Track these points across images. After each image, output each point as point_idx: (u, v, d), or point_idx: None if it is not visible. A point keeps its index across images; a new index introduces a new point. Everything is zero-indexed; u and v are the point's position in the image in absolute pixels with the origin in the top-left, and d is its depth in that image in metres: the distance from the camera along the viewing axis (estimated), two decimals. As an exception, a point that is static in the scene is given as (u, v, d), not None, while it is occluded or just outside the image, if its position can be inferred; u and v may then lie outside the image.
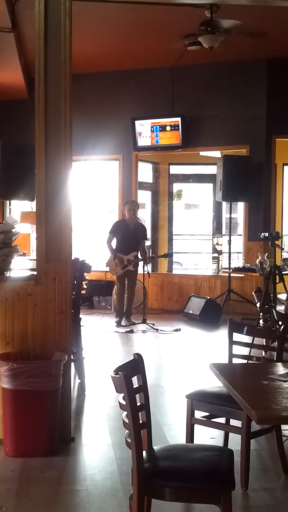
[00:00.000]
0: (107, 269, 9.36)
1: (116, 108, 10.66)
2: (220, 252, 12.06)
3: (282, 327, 3.99)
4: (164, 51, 9.61)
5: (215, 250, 12.19)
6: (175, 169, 12.81)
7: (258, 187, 10.13)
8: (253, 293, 8.28)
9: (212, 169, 11.39)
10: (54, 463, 4.08)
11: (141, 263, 9.21)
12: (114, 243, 9.24)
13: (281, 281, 7.42)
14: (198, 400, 3.89)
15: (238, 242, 11.33)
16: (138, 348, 7.60)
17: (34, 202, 6.08)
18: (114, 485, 3.78)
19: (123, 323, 9.09)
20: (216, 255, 12.07)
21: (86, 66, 9.90)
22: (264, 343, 5.09)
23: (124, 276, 9.18)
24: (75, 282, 5.71)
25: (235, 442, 4.01)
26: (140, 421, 2.77)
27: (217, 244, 12.26)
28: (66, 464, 4.10)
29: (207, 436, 4.46)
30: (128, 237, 9.16)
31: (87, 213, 11.69)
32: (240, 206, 11.63)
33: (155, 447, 2.95)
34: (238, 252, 11.39)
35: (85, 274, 6.28)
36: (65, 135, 4.38)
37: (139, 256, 9.14)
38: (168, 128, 10.51)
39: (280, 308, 7.24)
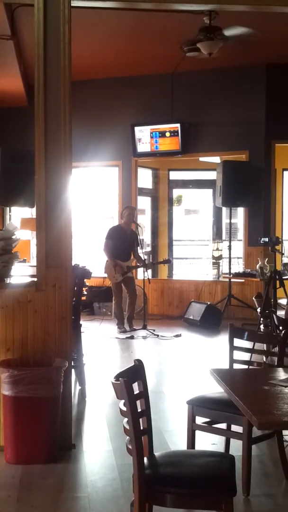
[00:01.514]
0: (105, 275, 9.36)
1: (115, 114, 10.68)
2: (220, 258, 12.06)
3: (282, 332, 3.98)
4: (163, 58, 9.64)
5: (215, 256, 12.19)
6: (174, 175, 12.82)
7: (257, 192, 10.14)
8: (253, 298, 8.28)
9: (211, 175, 11.40)
10: (55, 470, 4.07)
11: (141, 269, 9.20)
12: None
13: (281, 286, 7.42)
14: (199, 406, 3.89)
15: (238, 247, 11.34)
16: (139, 354, 7.59)
17: (34, 209, 6.08)
18: (115, 492, 3.77)
19: (126, 328, 9.07)
20: (217, 256, 12.07)
21: (86, 73, 9.93)
22: (264, 349, 5.09)
23: (120, 283, 9.18)
24: (75, 288, 5.71)
25: (236, 448, 4.01)
26: (141, 427, 2.77)
27: (217, 249, 12.26)
28: (67, 471, 4.09)
29: (208, 442, 4.45)
30: (125, 243, 9.16)
31: (87, 220, 11.70)
32: (240, 211, 11.64)
33: (156, 454, 2.94)
34: (238, 257, 11.39)
35: (85, 280, 6.28)
36: (64, 141, 4.39)
37: (138, 263, 9.15)
38: (167, 134, 10.53)
39: (281, 313, 7.24)
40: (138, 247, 9.22)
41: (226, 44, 8.27)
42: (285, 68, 10.03)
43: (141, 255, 9.34)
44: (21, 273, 5.39)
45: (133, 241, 9.20)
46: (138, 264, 9.19)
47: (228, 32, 8.07)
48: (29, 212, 10.27)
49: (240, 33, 8.17)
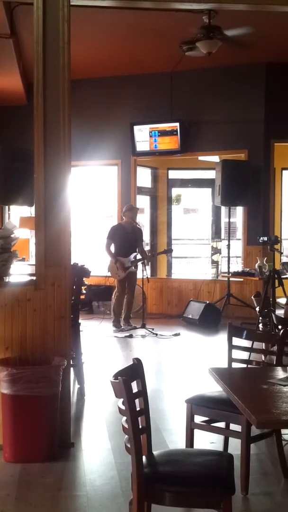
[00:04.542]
0: (108, 274, 9.36)
1: (114, 113, 10.68)
2: (219, 252, 12.07)
3: (281, 331, 3.99)
4: (162, 56, 9.63)
5: (214, 253, 12.19)
6: (173, 174, 12.82)
7: (257, 192, 10.14)
8: (252, 297, 8.29)
9: (210, 174, 11.40)
10: (54, 469, 4.07)
11: (140, 268, 9.21)
12: (112, 247, 9.25)
13: (280, 285, 7.43)
14: (197, 404, 3.89)
15: (237, 246, 11.34)
16: (138, 353, 7.59)
17: (33, 207, 6.08)
18: (114, 490, 3.77)
19: (122, 326, 9.08)
20: (216, 257, 12.07)
21: (85, 72, 9.92)
22: (263, 347, 5.09)
23: (125, 280, 9.19)
24: (74, 287, 5.72)
25: (235, 446, 4.01)
26: (140, 426, 2.77)
27: (216, 248, 12.26)
28: (65, 470, 4.09)
29: (207, 441, 4.46)
30: (127, 241, 9.18)
31: (86, 218, 11.70)
32: (239, 210, 11.64)
33: (155, 452, 2.94)
34: (237, 257, 11.39)
35: (84, 279, 6.28)
36: (64, 140, 4.39)
37: (139, 256, 9.17)
38: (167, 133, 10.53)
39: (280, 312, 7.26)
40: (143, 243, 9.28)
41: (225, 43, 8.27)
42: (285, 67, 10.03)
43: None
44: (20, 272, 5.39)
45: (135, 238, 9.23)
46: (139, 258, 9.19)
47: (228, 32, 8.07)
48: (28, 211, 10.27)
49: (240, 33, 8.18)
